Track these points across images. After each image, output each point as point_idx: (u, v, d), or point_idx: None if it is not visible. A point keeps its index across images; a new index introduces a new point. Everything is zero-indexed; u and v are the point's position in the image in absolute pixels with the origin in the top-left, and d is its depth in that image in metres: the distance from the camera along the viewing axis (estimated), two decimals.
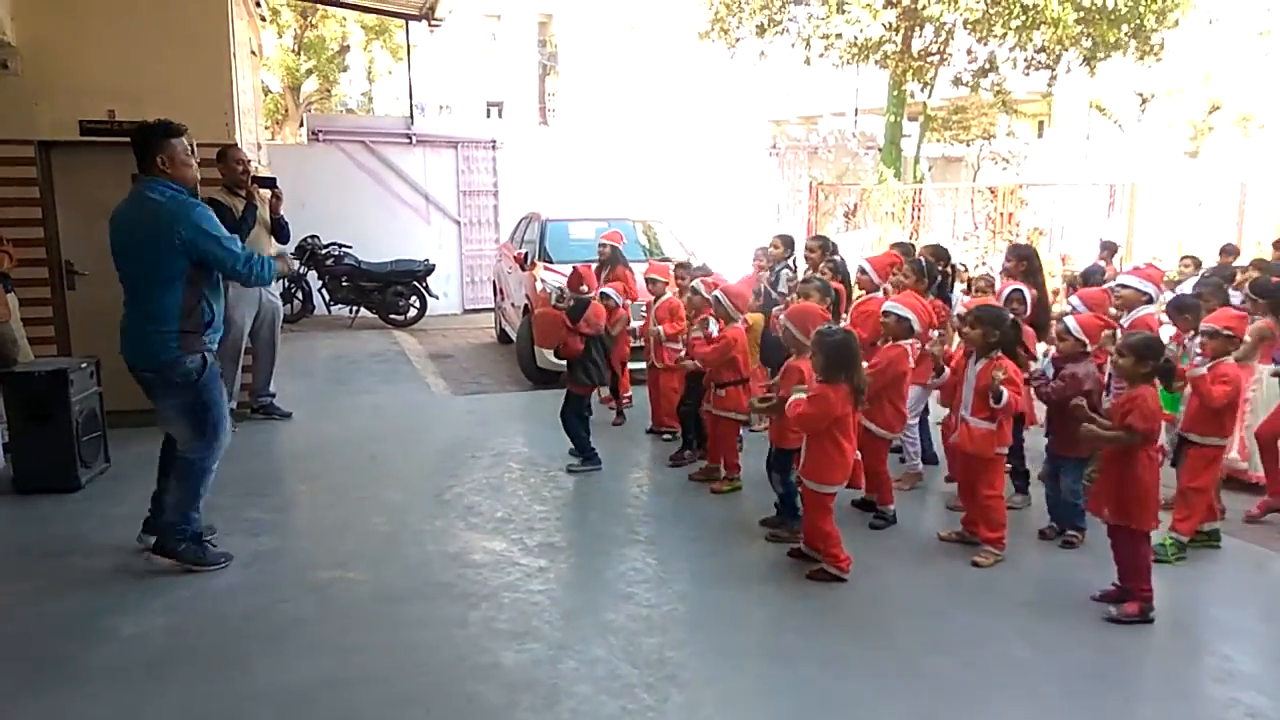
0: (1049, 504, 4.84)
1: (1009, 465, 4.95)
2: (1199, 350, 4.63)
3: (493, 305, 12.13)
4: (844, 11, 14.04)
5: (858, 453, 4.37)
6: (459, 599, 3.99)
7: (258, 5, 10.09)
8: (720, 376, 5.36)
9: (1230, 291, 5.77)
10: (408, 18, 13.74)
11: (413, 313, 12.65)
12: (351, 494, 5.36)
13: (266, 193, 6.44)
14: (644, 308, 6.90)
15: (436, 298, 13.02)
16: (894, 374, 4.83)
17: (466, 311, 14.03)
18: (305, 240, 12.09)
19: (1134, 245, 11.95)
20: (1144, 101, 22.06)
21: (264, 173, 7.49)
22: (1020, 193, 13.51)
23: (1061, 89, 17.60)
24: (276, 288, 7.45)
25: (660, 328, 6.42)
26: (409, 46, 15.38)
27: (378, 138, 13.62)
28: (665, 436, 6.57)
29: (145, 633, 3.65)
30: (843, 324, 5.09)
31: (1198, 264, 7.74)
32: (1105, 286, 5.96)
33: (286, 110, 25.35)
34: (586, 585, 4.25)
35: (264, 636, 3.64)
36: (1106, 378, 4.87)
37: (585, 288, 5.89)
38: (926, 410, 5.93)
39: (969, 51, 15.27)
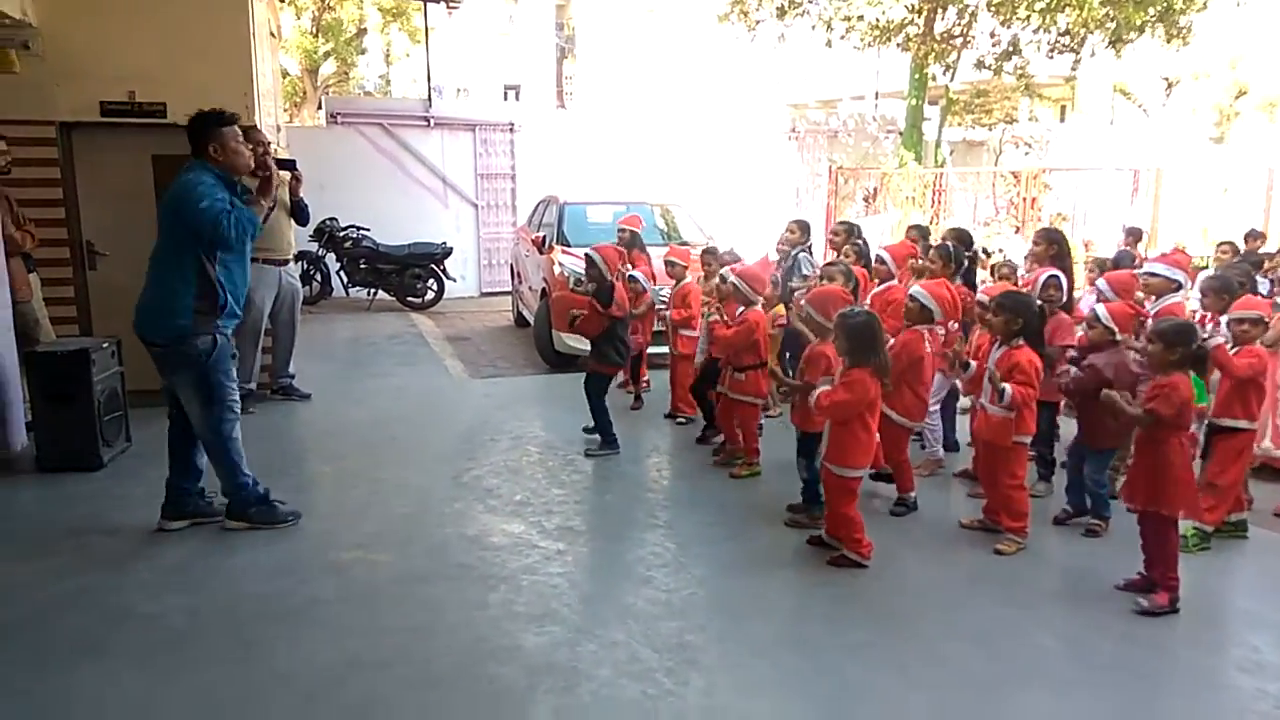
0: (1067, 488, 4.79)
1: (1033, 453, 4.89)
2: (1226, 332, 4.55)
3: (510, 288, 12.13)
4: None
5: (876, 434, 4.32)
6: (478, 581, 3.99)
7: None
8: (740, 360, 5.32)
9: (1258, 278, 5.67)
10: (426, 0, 13.69)
11: (430, 295, 12.66)
12: (371, 475, 5.37)
13: (286, 175, 6.42)
14: (664, 291, 6.87)
15: (454, 280, 13.02)
16: (909, 358, 4.75)
17: (484, 294, 14.02)
18: (324, 222, 12.13)
19: (1158, 231, 11.79)
20: (1169, 86, 21.72)
21: (283, 155, 7.48)
22: (1043, 177, 13.34)
23: (1085, 73, 17.34)
24: (295, 269, 7.46)
25: (669, 312, 6.44)
26: (427, 29, 15.35)
27: (396, 120, 13.58)
28: (680, 421, 6.57)
29: (165, 612, 3.66)
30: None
31: (1235, 250, 7.48)
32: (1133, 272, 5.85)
33: (305, 93, 25.35)
34: (605, 569, 4.24)
35: (285, 617, 3.65)
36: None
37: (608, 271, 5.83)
38: (953, 396, 5.86)
39: (992, 34, 15.06)
